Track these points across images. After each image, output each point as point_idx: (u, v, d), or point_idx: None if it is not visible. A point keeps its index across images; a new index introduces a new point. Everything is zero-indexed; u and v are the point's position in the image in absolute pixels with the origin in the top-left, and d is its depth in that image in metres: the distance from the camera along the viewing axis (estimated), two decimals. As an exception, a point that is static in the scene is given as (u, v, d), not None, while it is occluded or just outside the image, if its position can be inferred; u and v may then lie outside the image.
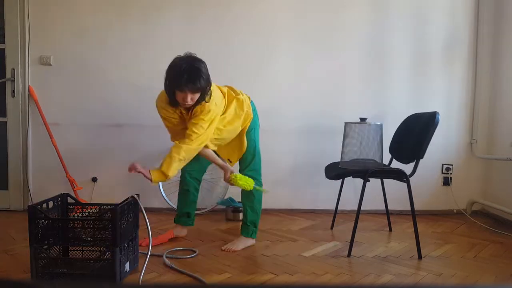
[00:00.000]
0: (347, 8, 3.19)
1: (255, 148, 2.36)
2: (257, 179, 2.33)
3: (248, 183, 2.21)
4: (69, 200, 2.01)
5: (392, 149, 2.66)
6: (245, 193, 2.35)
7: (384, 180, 2.66)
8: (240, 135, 2.32)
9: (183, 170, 2.40)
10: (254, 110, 2.36)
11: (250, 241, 2.34)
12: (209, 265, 2.05)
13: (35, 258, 1.72)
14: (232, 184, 2.22)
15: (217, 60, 2.96)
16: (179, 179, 2.49)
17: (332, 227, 2.80)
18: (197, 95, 2.01)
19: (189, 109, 2.11)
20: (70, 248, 1.95)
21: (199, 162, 2.39)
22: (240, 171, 2.37)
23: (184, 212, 2.48)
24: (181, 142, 2.06)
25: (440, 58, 3.25)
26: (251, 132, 2.34)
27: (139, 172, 2.00)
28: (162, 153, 3.14)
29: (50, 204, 1.86)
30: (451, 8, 3.23)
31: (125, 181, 3.17)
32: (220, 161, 2.25)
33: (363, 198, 2.26)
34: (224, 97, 2.19)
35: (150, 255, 1.91)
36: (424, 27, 3.22)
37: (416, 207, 2.92)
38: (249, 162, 2.35)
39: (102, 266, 1.78)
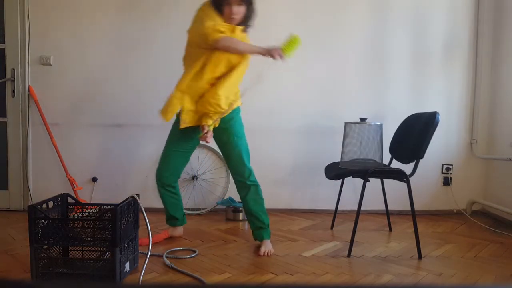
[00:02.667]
0: (347, 8, 3.19)
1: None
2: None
3: (294, 43, 2.08)
4: (69, 200, 2.01)
5: (392, 149, 2.66)
6: (253, 200, 2.26)
7: (384, 180, 2.66)
8: None
9: (156, 181, 2.37)
10: (238, 112, 2.31)
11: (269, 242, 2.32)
12: (209, 265, 2.05)
13: (35, 258, 1.73)
14: (285, 54, 2.09)
15: (217, 60, 2.96)
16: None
17: (332, 227, 2.80)
18: (242, 9, 2.07)
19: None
20: (70, 248, 1.95)
21: (172, 167, 2.34)
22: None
23: (171, 215, 2.46)
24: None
25: (440, 58, 3.25)
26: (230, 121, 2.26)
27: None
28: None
29: (50, 204, 1.86)
30: (451, 8, 3.23)
31: (125, 181, 3.17)
32: (258, 48, 2.11)
33: (363, 198, 2.26)
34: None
35: (150, 255, 1.91)
36: (424, 27, 3.22)
37: (416, 207, 2.92)
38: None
39: (102, 266, 1.78)
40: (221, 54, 2.10)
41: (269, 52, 2.07)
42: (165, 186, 2.38)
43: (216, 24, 2.03)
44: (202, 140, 2.22)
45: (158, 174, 2.37)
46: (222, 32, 2.04)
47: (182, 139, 2.31)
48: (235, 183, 2.30)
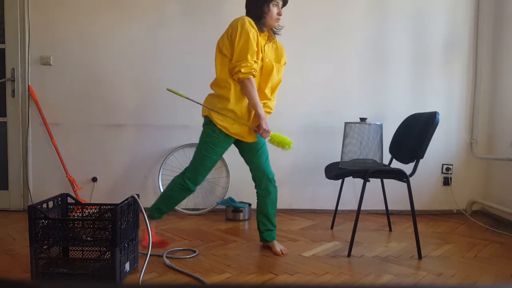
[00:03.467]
0: (348, 8, 3.19)
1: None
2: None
3: (284, 142, 2.16)
4: (69, 200, 2.01)
5: (392, 149, 2.66)
6: (272, 203, 2.27)
7: (384, 180, 2.66)
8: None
9: (194, 186, 2.28)
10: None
11: None
12: (209, 265, 2.05)
13: (35, 258, 1.73)
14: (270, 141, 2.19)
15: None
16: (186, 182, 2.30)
17: (332, 227, 2.80)
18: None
19: (268, 38, 2.21)
20: (70, 248, 1.95)
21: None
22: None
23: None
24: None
25: (440, 58, 3.25)
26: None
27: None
28: (162, 153, 3.15)
29: (50, 204, 1.86)
30: (451, 8, 3.23)
31: (125, 181, 3.17)
32: (260, 115, 2.12)
33: (363, 198, 2.26)
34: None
35: (150, 255, 1.91)
36: (424, 27, 3.23)
37: (416, 207, 2.93)
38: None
39: (102, 266, 1.78)
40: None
41: (261, 126, 2.14)
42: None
43: (253, 64, 2.07)
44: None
45: (200, 180, 2.26)
46: (254, 74, 2.09)
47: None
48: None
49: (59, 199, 1.94)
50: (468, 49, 3.26)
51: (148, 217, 2.19)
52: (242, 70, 2.05)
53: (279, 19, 2.15)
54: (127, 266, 1.87)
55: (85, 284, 0.42)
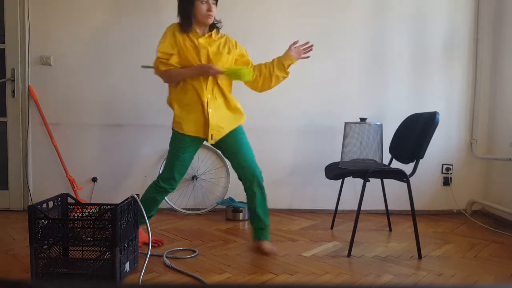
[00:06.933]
0: (348, 9, 3.19)
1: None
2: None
3: (240, 73, 2.12)
4: (69, 200, 2.01)
5: (392, 149, 2.66)
6: (260, 203, 2.25)
7: (384, 180, 2.66)
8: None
9: (177, 176, 2.29)
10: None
11: None
12: (209, 265, 2.05)
13: (35, 258, 1.73)
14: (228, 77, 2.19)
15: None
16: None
17: (332, 227, 2.80)
18: (215, 9, 2.18)
19: (203, 33, 2.21)
20: (70, 248, 1.95)
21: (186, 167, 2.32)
22: None
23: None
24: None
25: (440, 58, 3.25)
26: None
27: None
28: (162, 153, 3.15)
29: (50, 204, 1.86)
30: (451, 8, 3.23)
31: (125, 181, 3.17)
32: (194, 70, 2.16)
33: (363, 198, 2.26)
34: None
35: (150, 255, 1.91)
36: (424, 27, 3.22)
37: (416, 207, 2.92)
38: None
39: (102, 266, 1.78)
40: None
41: (203, 71, 2.14)
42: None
43: (160, 57, 2.18)
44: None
45: (178, 182, 2.30)
46: (159, 66, 2.19)
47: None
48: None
49: (59, 199, 1.94)
50: (468, 49, 3.26)
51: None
52: (156, 69, 2.20)
53: (211, 15, 2.16)
54: (127, 266, 1.87)
55: (85, 284, 0.42)
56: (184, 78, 2.18)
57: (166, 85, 2.29)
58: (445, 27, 3.24)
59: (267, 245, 2.23)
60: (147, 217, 2.25)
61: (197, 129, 2.20)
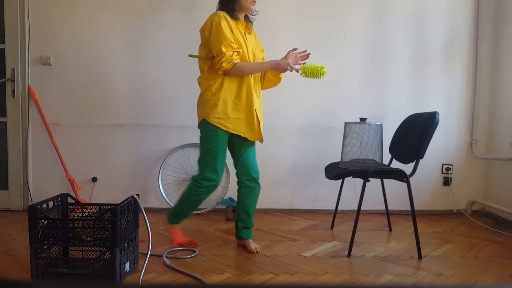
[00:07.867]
0: (348, 9, 3.19)
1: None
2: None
3: (318, 70, 2.15)
4: (69, 200, 2.01)
5: (392, 149, 2.66)
6: (253, 201, 2.28)
7: (384, 180, 2.66)
8: None
9: (220, 171, 2.25)
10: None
11: None
12: (209, 265, 2.05)
13: (35, 258, 1.72)
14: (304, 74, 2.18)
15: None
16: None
17: (332, 227, 2.80)
18: None
19: (247, 27, 2.21)
20: (70, 248, 1.95)
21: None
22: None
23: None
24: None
25: (440, 58, 3.25)
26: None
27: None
28: (162, 153, 3.15)
29: (50, 204, 1.86)
30: (451, 8, 3.23)
31: (125, 181, 3.17)
32: (268, 65, 2.18)
33: (363, 198, 2.26)
34: None
35: (150, 255, 1.91)
36: (424, 27, 3.22)
37: (416, 207, 2.92)
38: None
39: (102, 266, 1.78)
40: None
41: (279, 67, 2.14)
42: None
43: (231, 54, 2.07)
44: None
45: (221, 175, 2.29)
46: (235, 63, 2.09)
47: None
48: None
49: (59, 199, 1.94)
50: (468, 49, 3.26)
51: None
52: (224, 65, 2.07)
53: (255, 1, 2.14)
54: (127, 266, 1.87)
55: (85, 284, 0.42)
56: (256, 72, 2.17)
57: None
58: (445, 27, 3.24)
59: (253, 244, 2.27)
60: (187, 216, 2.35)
61: (245, 130, 2.19)
